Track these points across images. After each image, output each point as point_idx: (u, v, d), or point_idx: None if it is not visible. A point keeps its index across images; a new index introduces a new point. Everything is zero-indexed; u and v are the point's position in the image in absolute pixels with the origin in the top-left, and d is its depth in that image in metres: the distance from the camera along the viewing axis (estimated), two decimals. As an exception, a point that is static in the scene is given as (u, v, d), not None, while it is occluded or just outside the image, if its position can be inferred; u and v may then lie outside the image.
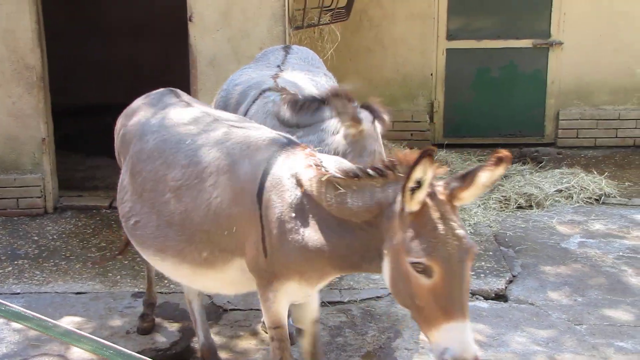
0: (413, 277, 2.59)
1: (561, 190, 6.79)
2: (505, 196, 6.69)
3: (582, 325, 4.66)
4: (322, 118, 3.69)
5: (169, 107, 3.60)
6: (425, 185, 2.55)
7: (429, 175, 2.53)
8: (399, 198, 2.65)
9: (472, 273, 4.72)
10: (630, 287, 5.15)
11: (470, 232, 5.94)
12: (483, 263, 5.48)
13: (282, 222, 2.91)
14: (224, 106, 4.22)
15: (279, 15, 6.20)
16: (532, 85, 8.20)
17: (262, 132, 3.23)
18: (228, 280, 3.25)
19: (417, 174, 2.51)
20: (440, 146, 7.88)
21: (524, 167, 7.44)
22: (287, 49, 4.96)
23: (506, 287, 5.16)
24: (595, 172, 7.14)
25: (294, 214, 2.90)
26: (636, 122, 8.15)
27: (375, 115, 3.61)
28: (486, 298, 5.03)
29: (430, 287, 2.57)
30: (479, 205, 6.49)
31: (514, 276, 5.33)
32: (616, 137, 8.18)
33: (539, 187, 6.84)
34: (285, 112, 3.78)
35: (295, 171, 2.93)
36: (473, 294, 4.95)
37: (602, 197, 6.71)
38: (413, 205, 2.59)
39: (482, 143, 7.96)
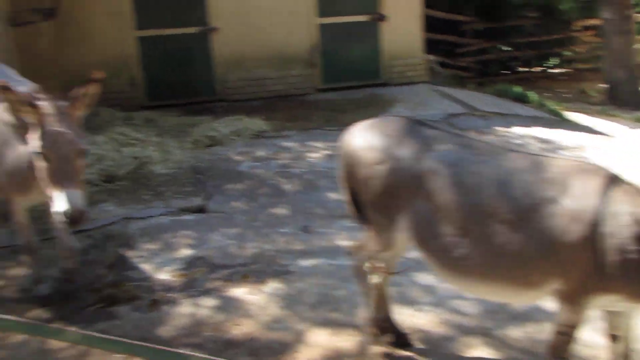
0: None
1: (233, 131, 7.86)
2: (196, 139, 7.59)
3: (256, 221, 5.30)
4: None
5: (440, 137, 3.28)
6: None
7: None
8: None
9: (181, 196, 5.83)
10: (284, 191, 6.01)
11: (176, 167, 6.65)
12: (186, 188, 6.08)
13: (624, 253, 2.83)
14: None
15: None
16: (201, 59, 9.81)
17: (570, 160, 3.14)
18: (537, 297, 3.17)
19: None
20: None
21: (204, 117, 8.67)
22: None
23: (204, 203, 5.68)
24: (255, 117, 8.43)
25: (633, 247, 2.83)
26: (276, 80, 10.06)
27: (56, 99, 3.43)
28: (191, 212, 5.55)
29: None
30: (178, 148, 7.24)
31: (209, 194, 5.86)
32: (265, 91, 10.02)
33: (218, 131, 7.86)
34: None
35: (635, 210, 2.85)
36: (182, 210, 5.56)
37: (261, 133, 7.87)
38: None
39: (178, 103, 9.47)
